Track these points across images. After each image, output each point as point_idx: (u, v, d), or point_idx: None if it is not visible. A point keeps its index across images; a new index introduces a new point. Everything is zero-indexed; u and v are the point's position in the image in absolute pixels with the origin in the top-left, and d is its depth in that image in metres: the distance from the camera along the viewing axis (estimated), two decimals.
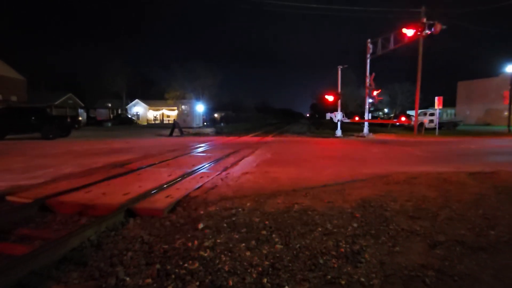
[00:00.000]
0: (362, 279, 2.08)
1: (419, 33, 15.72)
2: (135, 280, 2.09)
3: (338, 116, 18.69)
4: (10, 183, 4.70)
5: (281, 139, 16.42)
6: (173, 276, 2.13)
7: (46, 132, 14.06)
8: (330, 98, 19.10)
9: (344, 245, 2.62)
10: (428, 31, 15.64)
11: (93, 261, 2.38)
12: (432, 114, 23.14)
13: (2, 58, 29.21)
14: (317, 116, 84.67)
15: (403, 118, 20.96)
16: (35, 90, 34.61)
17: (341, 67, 19.13)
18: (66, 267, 2.32)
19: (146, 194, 4.02)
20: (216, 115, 48.21)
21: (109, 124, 33.33)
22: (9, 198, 3.99)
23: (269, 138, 16.35)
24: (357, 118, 20.55)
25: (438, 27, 15.32)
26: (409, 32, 15.64)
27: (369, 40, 18.36)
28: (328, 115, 19.92)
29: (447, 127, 23.70)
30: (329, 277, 2.12)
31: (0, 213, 3.45)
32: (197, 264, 2.28)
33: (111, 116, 38.37)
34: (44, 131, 14.07)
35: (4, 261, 2.30)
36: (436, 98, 18.79)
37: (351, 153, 9.89)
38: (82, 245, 2.67)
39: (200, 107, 31.71)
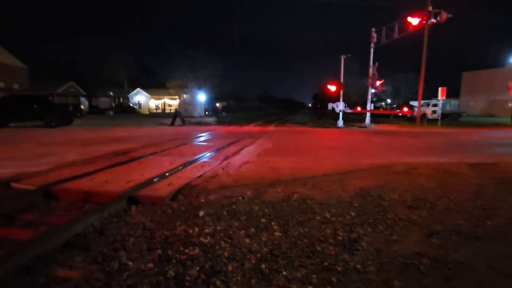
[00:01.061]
0: (358, 266, 2.13)
1: (424, 21, 15.39)
2: (137, 264, 2.15)
3: (340, 106, 18.58)
4: (14, 170, 4.77)
5: (282, 129, 16.40)
6: (174, 261, 2.19)
7: (49, 120, 14.13)
8: (332, 88, 18.95)
9: (341, 233, 2.67)
10: (433, 20, 15.31)
11: (96, 246, 2.44)
12: (435, 105, 22.92)
13: (4, 46, 29.01)
14: (319, 106, 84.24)
15: (405, 109, 20.78)
16: (37, 78, 34.46)
17: (344, 56, 18.89)
18: (70, 251, 2.39)
19: (148, 182, 4.08)
20: (218, 104, 48.01)
21: (111, 113, 33.40)
22: (14, 185, 4.06)
23: (270, 128, 16.34)
24: (359, 109, 20.42)
25: (444, 15, 14.99)
26: (414, 20, 15.31)
27: (373, 29, 18.04)
28: (330, 105, 19.81)
29: (450, 118, 23.51)
30: (326, 264, 2.17)
31: (6, 199, 3.53)
32: (197, 250, 2.34)
33: (113, 104, 38.37)
34: (46, 119, 14.14)
35: (10, 246, 2.37)
36: (440, 88, 18.58)
37: (352, 143, 9.88)
38: (85, 231, 2.74)
39: (202, 97, 31.60)
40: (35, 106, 14.59)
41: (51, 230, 2.58)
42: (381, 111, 28.93)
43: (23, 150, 7.00)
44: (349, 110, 20.31)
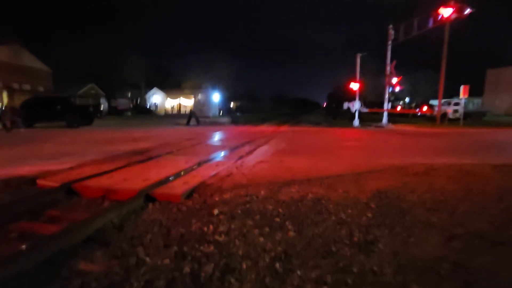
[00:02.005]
0: (375, 268, 2.09)
1: (448, 15, 14.79)
2: (154, 260, 2.21)
3: (356, 105, 18.23)
4: (39, 168, 5.01)
5: (296, 129, 16.29)
6: (189, 257, 2.23)
7: (71, 121, 14.72)
8: (355, 86, 18.53)
9: (357, 235, 2.62)
10: (455, 15, 14.73)
11: (115, 241, 2.53)
12: (456, 104, 22.04)
13: (29, 50, 30.48)
14: (334, 106, 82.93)
15: (424, 108, 20.12)
16: (60, 81, 35.96)
17: (360, 54, 18.52)
18: (91, 246, 2.48)
19: (164, 181, 4.17)
20: (232, 104, 48.33)
21: (129, 114, 34.35)
22: (39, 181, 4.26)
23: (284, 128, 16.27)
24: (375, 108, 19.96)
25: (466, 10, 14.39)
26: (446, 11, 14.68)
27: (390, 26, 17.58)
28: (345, 105, 19.51)
29: (472, 118, 22.53)
30: (341, 264, 2.14)
31: (32, 195, 3.71)
32: (212, 248, 2.37)
33: (131, 106, 39.46)
34: (68, 120, 14.75)
35: (36, 240, 2.49)
36: (462, 87, 17.85)
37: (368, 143, 9.68)
38: (105, 227, 2.83)
39: (216, 97, 31.92)
40: (58, 107, 15.26)
41: (73, 226, 2.69)
42: (399, 110, 28.09)
43: (47, 149, 7.34)
44: (365, 110, 19.90)
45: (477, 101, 40.05)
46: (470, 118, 22.15)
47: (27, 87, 29.24)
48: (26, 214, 3.21)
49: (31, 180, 4.32)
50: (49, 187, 4.02)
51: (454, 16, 14.81)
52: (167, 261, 2.19)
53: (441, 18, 15.20)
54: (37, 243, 2.34)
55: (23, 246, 2.26)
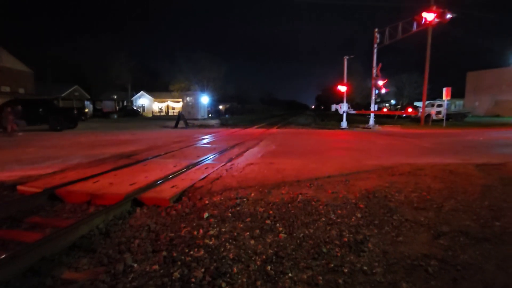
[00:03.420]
0: (365, 268, 2.11)
1: (431, 19, 15.26)
2: (142, 266, 2.15)
3: (343, 107, 18.50)
4: (20, 173, 4.82)
5: (286, 130, 16.38)
6: (179, 263, 2.18)
7: (54, 124, 14.26)
8: (342, 88, 18.81)
9: (347, 235, 2.65)
10: (437, 19, 15.23)
11: (101, 248, 2.45)
12: (439, 106, 22.72)
13: (9, 50, 29.40)
14: (322, 107, 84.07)
15: (409, 110, 20.63)
16: (42, 83, 34.87)
17: (347, 57, 18.83)
18: (76, 253, 2.40)
19: (152, 184, 4.09)
20: (221, 106, 48.14)
21: (115, 116, 33.61)
22: (20, 187, 4.09)
23: (274, 130, 16.32)
24: (362, 110, 20.32)
25: (447, 15, 14.91)
26: (429, 16, 15.08)
27: (376, 30, 17.97)
28: (333, 107, 19.70)
29: (455, 119, 23.28)
30: (332, 265, 2.15)
31: (12, 202, 3.55)
32: (202, 252, 2.33)
33: (117, 108, 38.65)
34: (51, 123, 14.27)
35: (16, 248, 2.38)
36: (444, 89, 18.44)
37: (356, 144, 9.83)
38: (91, 233, 2.74)
39: (205, 99, 31.67)
40: (40, 110, 14.75)
41: (57, 232, 2.58)
42: (385, 112, 28.72)
43: (28, 154, 7.07)
44: (352, 111, 20.21)
45: (459, 102, 41.48)
46: (453, 119, 22.91)
47: (6, 89, 28.17)
48: (7, 221, 3.07)
49: (10, 187, 4.14)
50: (31, 193, 3.86)
51: (436, 20, 15.30)
52: (156, 267, 2.13)
53: (424, 22, 15.68)
54: (18, 252, 2.23)
55: (4, 255, 2.15)
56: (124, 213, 3.26)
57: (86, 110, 21.44)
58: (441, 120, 19.79)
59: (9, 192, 4.01)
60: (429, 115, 20.29)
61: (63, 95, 36.27)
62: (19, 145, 8.94)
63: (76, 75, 42.26)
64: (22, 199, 3.66)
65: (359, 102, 42.87)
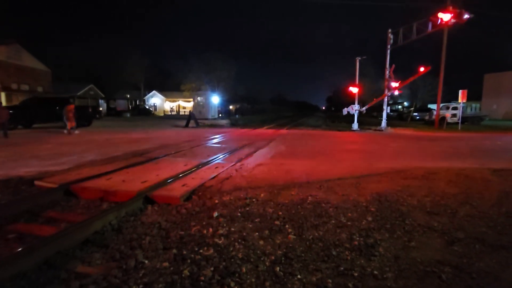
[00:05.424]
0: (376, 272, 2.07)
1: (447, 19, 14.87)
2: (153, 263, 2.18)
3: (355, 107, 18.24)
4: (37, 169, 4.98)
5: (296, 131, 16.29)
6: (188, 261, 2.20)
7: None
8: (354, 89, 18.56)
9: (357, 238, 2.61)
10: (453, 20, 14.81)
11: (114, 243, 2.50)
12: (455, 108, 22.11)
13: (28, 50, 30.41)
14: (333, 109, 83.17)
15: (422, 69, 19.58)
16: (59, 81, 35.88)
17: (359, 58, 18.58)
18: (90, 248, 2.46)
19: (163, 183, 4.15)
20: (231, 107, 48.32)
21: (128, 115, 34.30)
22: (37, 182, 4.23)
23: (283, 131, 16.26)
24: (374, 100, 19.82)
25: (465, 15, 14.48)
26: (445, 16, 14.69)
27: (389, 30, 17.64)
28: (344, 111, 19.34)
29: (471, 122, 22.58)
30: (341, 268, 2.13)
31: (30, 197, 3.67)
32: (211, 251, 2.35)
33: (130, 107, 39.42)
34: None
35: (33, 241, 2.47)
36: (460, 91, 17.92)
37: (368, 146, 9.68)
38: (104, 229, 2.81)
39: (215, 99, 31.84)
40: (57, 108, 15.18)
41: (71, 227, 2.66)
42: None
43: (45, 150, 7.29)
44: (364, 109, 19.84)
45: (475, 105, 40.25)
46: (469, 122, 22.23)
47: (25, 87, 29.13)
48: (25, 215, 3.18)
49: (28, 182, 4.29)
50: (47, 188, 3.98)
51: (453, 21, 14.89)
52: (166, 264, 2.16)
53: (440, 23, 15.27)
54: (34, 245, 2.31)
55: (21, 248, 2.23)
56: (135, 210, 3.32)
57: (100, 109, 21.92)
58: (456, 123, 19.24)
59: (27, 187, 4.15)
60: (443, 118, 19.75)
61: (78, 93, 37.24)
62: (37, 142, 9.24)
63: (91, 74, 43.31)
64: (39, 194, 3.77)
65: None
